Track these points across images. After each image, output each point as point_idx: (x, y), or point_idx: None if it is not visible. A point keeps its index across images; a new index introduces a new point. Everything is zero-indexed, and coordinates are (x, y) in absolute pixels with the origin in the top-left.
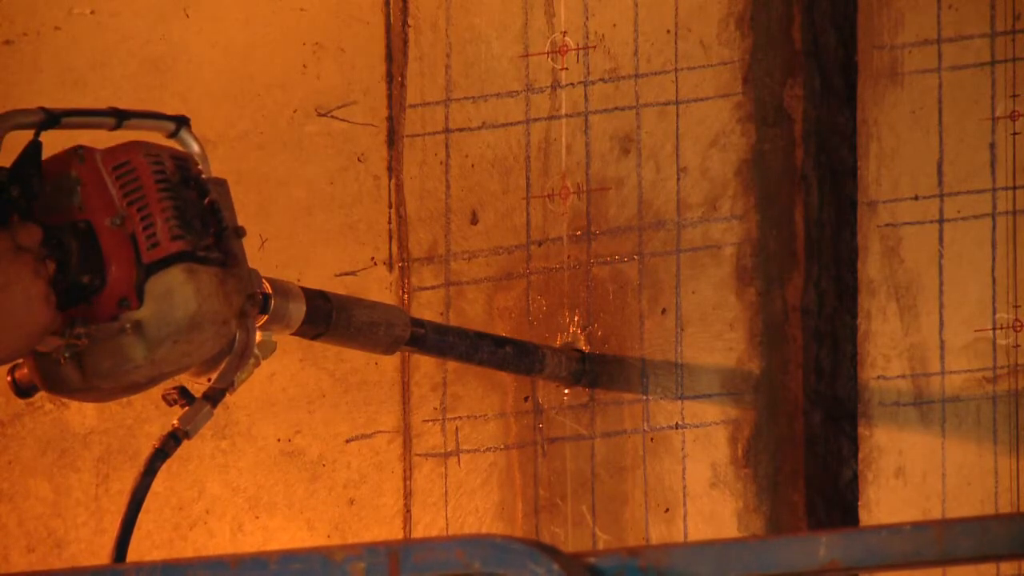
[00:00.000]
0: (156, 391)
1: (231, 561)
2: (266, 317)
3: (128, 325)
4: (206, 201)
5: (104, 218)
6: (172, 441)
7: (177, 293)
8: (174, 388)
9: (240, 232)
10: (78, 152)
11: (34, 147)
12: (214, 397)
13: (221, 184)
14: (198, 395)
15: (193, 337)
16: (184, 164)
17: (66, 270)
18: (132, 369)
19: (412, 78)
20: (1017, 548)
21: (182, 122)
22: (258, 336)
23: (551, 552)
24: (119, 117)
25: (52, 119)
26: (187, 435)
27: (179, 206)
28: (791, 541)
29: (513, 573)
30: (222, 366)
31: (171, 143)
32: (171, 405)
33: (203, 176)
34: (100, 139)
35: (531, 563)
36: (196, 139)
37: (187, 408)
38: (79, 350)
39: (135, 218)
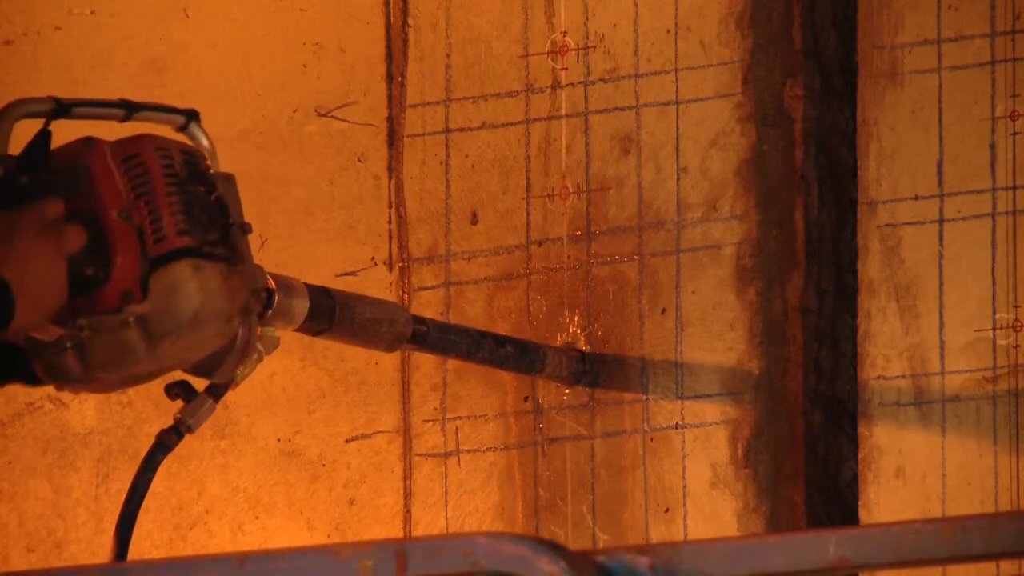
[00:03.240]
0: (157, 389)
1: (237, 559)
2: (270, 312)
3: (131, 319)
4: (213, 196)
5: (111, 210)
6: (174, 435)
7: (181, 289)
8: (176, 383)
9: (246, 228)
10: (87, 143)
11: (43, 136)
12: (216, 392)
13: (228, 179)
14: (200, 389)
15: (196, 333)
16: (193, 159)
17: (71, 260)
18: (133, 362)
19: (412, 78)
20: None
21: (191, 116)
22: (260, 331)
23: (558, 550)
24: (129, 109)
25: (62, 109)
26: (189, 429)
27: (186, 201)
28: (800, 539)
29: (520, 571)
30: (223, 364)
31: (180, 137)
32: (173, 399)
33: (211, 171)
34: (103, 131)
35: (539, 561)
36: (205, 133)
37: (189, 402)
38: (81, 341)
39: (142, 211)
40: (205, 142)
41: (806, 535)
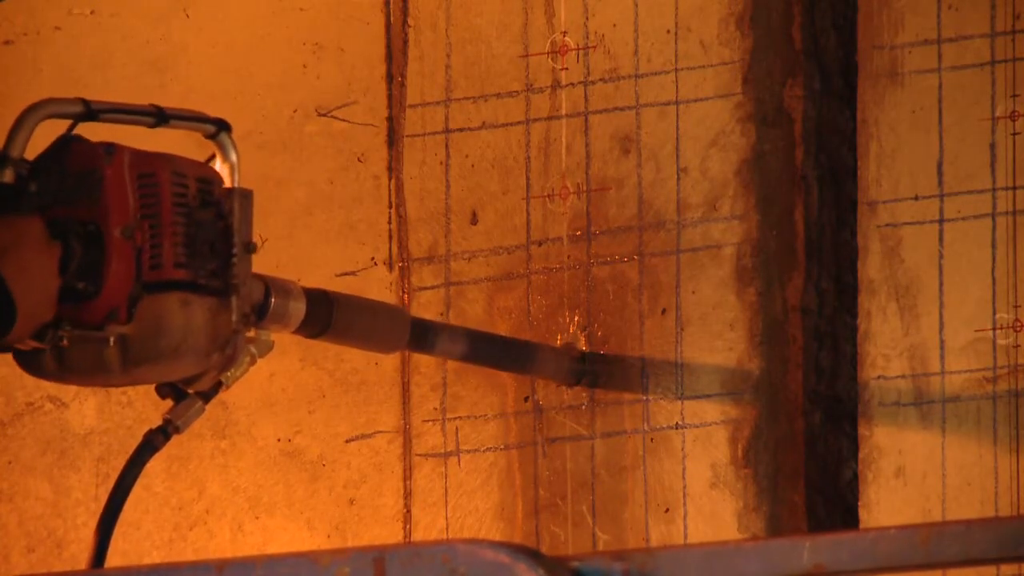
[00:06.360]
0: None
1: (217, 565)
2: (264, 318)
3: (112, 338)
4: (221, 224)
5: (115, 227)
6: (161, 435)
7: (167, 321)
8: (166, 382)
9: (251, 248)
10: (108, 150)
11: (63, 143)
12: (206, 394)
13: (245, 196)
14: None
15: (172, 364)
16: (208, 187)
17: (65, 272)
18: (106, 377)
19: (412, 78)
20: (1002, 552)
21: (222, 126)
22: (254, 333)
23: (537, 557)
24: (160, 116)
25: (90, 113)
26: (177, 429)
27: (191, 232)
28: (775, 545)
29: None
30: (202, 377)
31: (207, 148)
32: (164, 398)
33: (230, 187)
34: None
35: (517, 568)
36: (234, 144)
37: (179, 403)
38: (60, 347)
39: (145, 233)
40: (232, 154)
41: (781, 541)
